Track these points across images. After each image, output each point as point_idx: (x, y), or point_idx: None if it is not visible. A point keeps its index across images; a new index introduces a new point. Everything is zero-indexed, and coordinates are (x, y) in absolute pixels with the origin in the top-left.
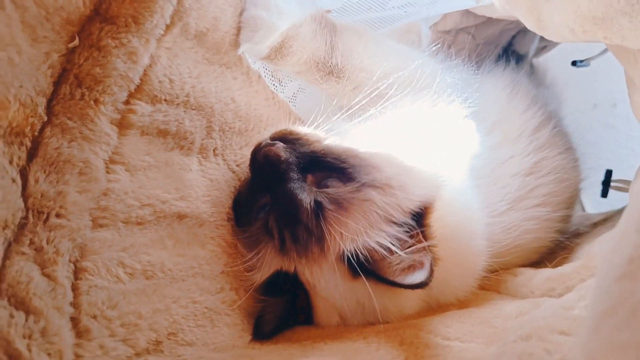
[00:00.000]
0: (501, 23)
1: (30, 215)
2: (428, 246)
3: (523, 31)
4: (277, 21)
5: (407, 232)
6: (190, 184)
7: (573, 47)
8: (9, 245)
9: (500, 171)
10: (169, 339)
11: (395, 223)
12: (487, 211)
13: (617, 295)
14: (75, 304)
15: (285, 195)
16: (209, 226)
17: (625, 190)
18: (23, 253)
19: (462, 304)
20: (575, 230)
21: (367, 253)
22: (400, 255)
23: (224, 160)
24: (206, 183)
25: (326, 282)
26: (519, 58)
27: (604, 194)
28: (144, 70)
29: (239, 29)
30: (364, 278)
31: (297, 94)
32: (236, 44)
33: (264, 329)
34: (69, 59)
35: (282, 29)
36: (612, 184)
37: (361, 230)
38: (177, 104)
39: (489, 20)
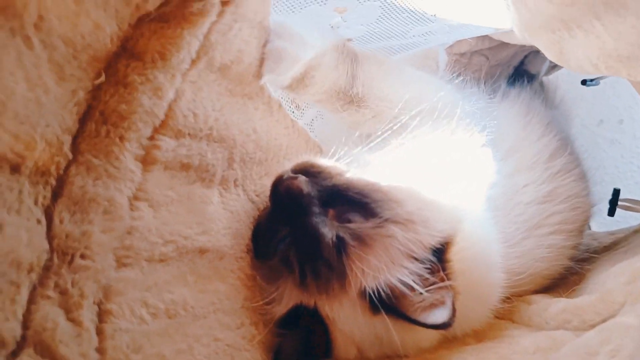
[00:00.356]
0: (516, 46)
1: (55, 257)
2: (450, 285)
3: (535, 52)
4: (300, 52)
5: (428, 268)
6: (211, 217)
7: None
8: (34, 288)
9: (515, 199)
10: None
11: (416, 259)
12: (503, 241)
13: None
14: (100, 350)
15: (306, 229)
16: (229, 259)
17: (634, 209)
18: (48, 297)
19: (477, 334)
20: (585, 252)
21: (388, 290)
22: (422, 293)
23: (244, 190)
24: (227, 215)
25: (346, 317)
26: (530, 77)
27: (611, 212)
28: (169, 105)
29: (262, 60)
30: (384, 315)
31: (315, 120)
32: (259, 75)
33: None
34: (94, 95)
35: (305, 60)
36: (619, 202)
37: (383, 267)
38: (201, 138)
39: (504, 43)
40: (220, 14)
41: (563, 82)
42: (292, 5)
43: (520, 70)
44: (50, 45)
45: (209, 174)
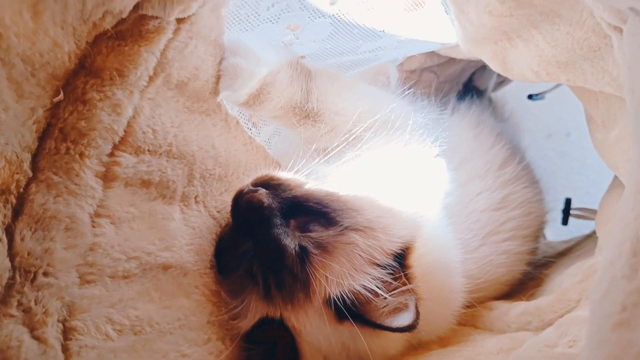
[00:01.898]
0: (463, 62)
1: (17, 275)
2: (411, 288)
3: (482, 68)
4: (256, 69)
5: (391, 273)
6: (173, 234)
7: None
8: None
9: (470, 207)
10: None
11: (378, 265)
12: (460, 247)
13: (615, 344)
14: None
15: (269, 241)
16: (192, 275)
17: (585, 217)
18: (11, 315)
19: (442, 340)
20: (542, 259)
21: (352, 296)
22: (386, 298)
23: (205, 207)
24: (189, 231)
25: (312, 327)
26: (479, 93)
27: (565, 221)
28: (128, 122)
29: (218, 77)
30: (351, 322)
31: (272, 137)
32: (215, 92)
33: None
34: (53, 113)
35: (261, 76)
36: (571, 212)
37: (346, 274)
38: (160, 154)
39: (452, 60)
40: (176, 32)
41: (511, 98)
42: (246, 24)
43: (469, 86)
44: (9, 63)
45: (170, 191)
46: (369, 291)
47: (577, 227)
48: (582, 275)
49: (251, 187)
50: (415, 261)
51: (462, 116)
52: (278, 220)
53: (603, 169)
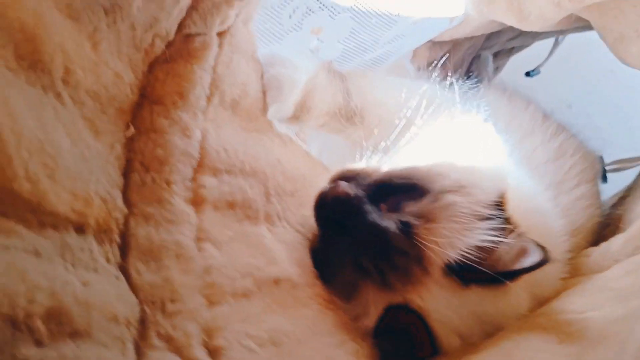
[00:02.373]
0: (463, 49)
1: (146, 308)
2: (522, 231)
3: (477, 56)
4: (296, 75)
5: (496, 225)
6: (271, 249)
7: (521, 63)
8: (137, 344)
9: (533, 163)
10: None
11: (482, 218)
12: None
13: None
14: None
15: (368, 229)
16: (302, 287)
17: (624, 168)
18: (156, 347)
19: (559, 293)
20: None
21: (470, 256)
22: (506, 244)
23: (289, 223)
24: (283, 247)
25: (438, 302)
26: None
27: (604, 179)
28: (200, 144)
29: (264, 93)
30: (477, 283)
31: (322, 152)
32: (265, 109)
33: None
34: (130, 147)
35: (302, 82)
36: (607, 167)
37: (456, 234)
38: (236, 173)
39: (454, 49)
40: (221, 46)
41: (509, 82)
42: (272, 37)
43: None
44: (79, 101)
45: (253, 211)
46: (486, 244)
47: (615, 183)
48: None
49: (331, 184)
50: (512, 209)
51: (487, 88)
52: (369, 207)
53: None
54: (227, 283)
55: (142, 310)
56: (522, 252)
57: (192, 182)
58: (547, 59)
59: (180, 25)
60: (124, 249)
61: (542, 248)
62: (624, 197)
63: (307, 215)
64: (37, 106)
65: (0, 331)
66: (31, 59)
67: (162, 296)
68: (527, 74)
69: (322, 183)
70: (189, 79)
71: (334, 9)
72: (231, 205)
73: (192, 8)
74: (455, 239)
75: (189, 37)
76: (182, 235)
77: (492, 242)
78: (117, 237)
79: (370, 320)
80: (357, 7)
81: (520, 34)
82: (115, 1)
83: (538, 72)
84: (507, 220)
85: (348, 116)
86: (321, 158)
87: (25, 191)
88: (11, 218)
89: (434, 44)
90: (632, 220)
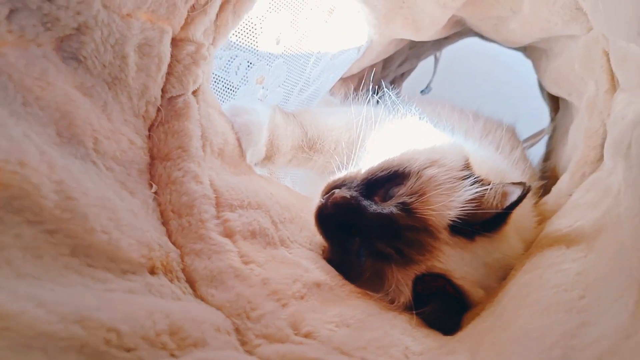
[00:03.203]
0: (367, 78)
1: (234, 320)
2: (496, 184)
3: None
4: (259, 118)
5: (473, 180)
6: (299, 263)
7: (415, 83)
8: (245, 346)
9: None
10: None
11: (460, 179)
12: None
13: None
14: None
15: (374, 220)
16: (338, 288)
17: (536, 141)
18: (259, 344)
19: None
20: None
21: (466, 210)
22: (489, 191)
23: (300, 244)
24: (305, 262)
25: (455, 261)
26: None
27: None
28: (212, 187)
29: (239, 140)
30: (479, 233)
31: (295, 187)
32: (242, 155)
33: (446, 327)
34: (159, 201)
35: (266, 124)
36: (524, 144)
37: (446, 197)
38: (246, 207)
39: (359, 81)
40: (198, 102)
41: None
42: (225, 95)
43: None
44: (109, 167)
45: (270, 238)
46: (474, 196)
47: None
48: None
49: (325, 196)
50: (478, 170)
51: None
52: (367, 202)
53: None
54: (285, 288)
55: (233, 323)
56: (505, 194)
57: (218, 219)
58: (433, 74)
59: (163, 90)
60: (191, 282)
61: (519, 183)
62: (549, 151)
63: (309, 235)
64: (85, 172)
65: (142, 350)
66: (69, 134)
67: (242, 308)
68: (422, 91)
69: (315, 201)
70: (185, 133)
71: (270, 58)
72: (253, 235)
73: (169, 74)
74: (447, 201)
75: (172, 99)
76: (232, 260)
77: (477, 192)
78: (181, 274)
79: (406, 297)
80: (287, 52)
81: (406, 59)
82: (114, 75)
83: (430, 89)
84: (479, 178)
85: (310, 145)
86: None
87: (104, 242)
88: (98, 268)
89: (344, 80)
90: (565, 163)
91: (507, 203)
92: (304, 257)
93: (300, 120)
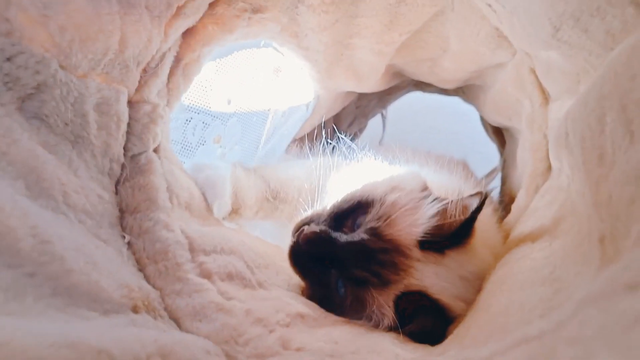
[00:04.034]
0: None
1: (224, 347)
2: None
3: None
4: (221, 172)
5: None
6: (281, 298)
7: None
8: None
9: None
10: None
11: (421, 199)
12: None
13: None
14: None
15: (347, 248)
16: (321, 319)
17: (493, 177)
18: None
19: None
20: None
21: (431, 226)
22: (451, 204)
23: (278, 286)
24: (284, 299)
25: (429, 276)
26: None
27: None
28: (183, 234)
29: (204, 195)
30: (448, 247)
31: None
32: (209, 209)
33: (432, 340)
34: (133, 250)
35: (228, 178)
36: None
37: (410, 216)
38: (219, 252)
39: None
40: (160, 159)
41: None
42: (185, 154)
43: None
44: (81, 220)
45: (247, 281)
46: (437, 211)
47: None
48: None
49: (296, 235)
50: (437, 192)
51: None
52: (337, 233)
53: None
54: (269, 317)
55: (222, 349)
56: (466, 206)
57: (194, 262)
58: (383, 132)
59: (125, 149)
60: (175, 319)
61: (477, 193)
62: (503, 181)
63: (286, 278)
64: (58, 222)
65: None
66: (38, 188)
67: (229, 335)
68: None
69: (286, 241)
70: (151, 187)
71: (223, 117)
72: (230, 277)
73: (129, 133)
74: (412, 220)
75: (135, 157)
76: (212, 296)
77: (440, 206)
78: (164, 313)
79: (389, 318)
80: (239, 111)
81: (355, 118)
82: (77, 133)
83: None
84: (439, 197)
85: (274, 195)
86: None
87: (84, 282)
88: (82, 307)
89: (298, 140)
90: (518, 183)
91: (469, 212)
92: (284, 295)
93: (261, 174)
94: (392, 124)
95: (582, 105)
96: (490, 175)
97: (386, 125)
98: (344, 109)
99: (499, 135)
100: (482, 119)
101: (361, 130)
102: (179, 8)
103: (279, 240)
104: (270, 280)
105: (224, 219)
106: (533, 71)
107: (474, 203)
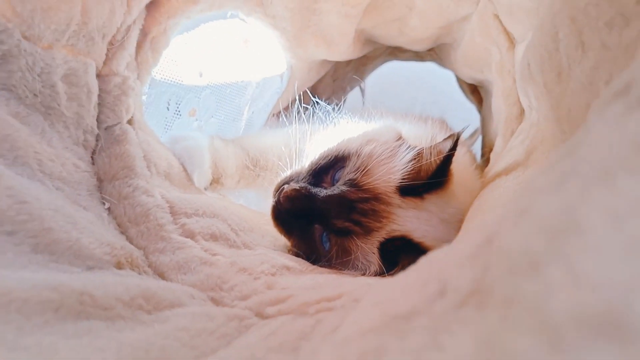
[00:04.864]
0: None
1: (208, 293)
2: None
3: None
4: (198, 142)
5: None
6: (267, 254)
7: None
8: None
9: None
10: None
11: (397, 147)
12: None
13: None
14: None
15: (327, 201)
16: (308, 271)
17: (475, 140)
18: (235, 305)
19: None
20: None
21: (408, 172)
22: (426, 150)
23: (264, 247)
24: (273, 254)
25: (412, 221)
26: None
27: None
28: (164, 199)
29: (183, 165)
30: (427, 190)
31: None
32: (190, 179)
33: None
34: (114, 214)
35: (205, 147)
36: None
37: (389, 165)
38: (201, 215)
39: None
40: (135, 130)
41: None
42: (162, 129)
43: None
44: (58, 187)
45: (232, 242)
46: (414, 158)
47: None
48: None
49: (277, 193)
50: (412, 142)
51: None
52: (317, 189)
53: None
54: (254, 267)
55: (207, 295)
56: (440, 150)
57: (176, 224)
58: (363, 105)
59: (99, 121)
60: (160, 274)
61: (449, 136)
62: (483, 133)
63: (272, 240)
64: (35, 187)
65: (119, 309)
66: (12, 155)
67: (214, 283)
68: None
69: (269, 202)
70: (128, 155)
71: (196, 90)
72: (214, 237)
73: (101, 105)
74: (389, 167)
75: (109, 128)
76: (196, 252)
77: (414, 152)
78: (148, 269)
79: (375, 264)
80: (212, 83)
81: (333, 92)
82: (47, 104)
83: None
84: (413, 145)
85: (254, 163)
86: None
87: (64, 239)
88: (64, 264)
89: (277, 114)
90: (495, 133)
91: (444, 150)
92: (269, 252)
93: (240, 143)
94: (371, 97)
95: (538, 30)
96: (472, 137)
97: (365, 98)
98: (320, 81)
99: (476, 94)
100: (459, 81)
101: (340, 104)
102: None
103: (263, 209)
104: (256, 242)
105: (205, 189)
106: (497, 17)
107: (447, 145)
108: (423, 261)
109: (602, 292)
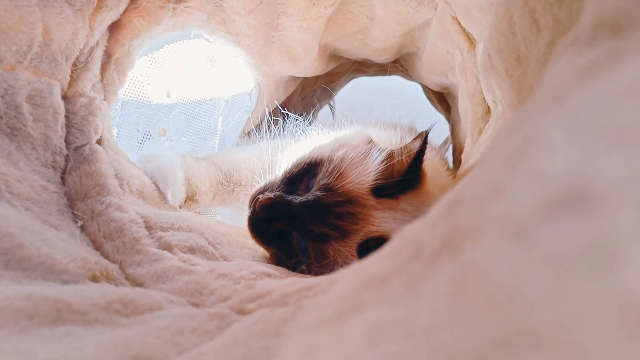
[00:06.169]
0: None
1: (188, 299)
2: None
3: None
4: (170, 160)
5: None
6: (247, 263)
7: None
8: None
9: None
10: None
11: (368, 150)
12: None
13: None
14: None
15: (305, 207)
16: (285, 277)
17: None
18: (216, 305)
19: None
20: None
21: (382, 172)
22: (397, 150)
23: (243, 258)
24: (252, 262)
25: (388, 222)
26: None
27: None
28: (138, 215)
29: (156, 184)
30: (400, 191)
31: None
32: (164, 197)
33: None
34: (87, 232)
35: (178, 165)
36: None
37: (361, 168)
38: (177, 229)
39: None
40: (106, 150)
41: None
42: (132, 149)
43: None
44: (27, 208)
45: (209, 254)
46: (385, 159)
47: None
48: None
49: (251, 205)
50: (382, 145)
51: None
52: (292, 196)
53: None
54: (234, 273)
55: (187, 301)
56: (411, 149)
57: (152, 238)
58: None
59: (67, 141)
60: (139, 284)
61: (418, 135)
62: (453, 138)
63: (250, 252)
64: (5, 210)
65: (96, 314)
66: None
67: (194, 289)
68: None
69: (244, 214)
70: (99, 173)
71: (165, 110)
72: (192, 250)
73: (69, 126)
74: (361, 169)
75: (78, 148)
76: (175, 261)
77: (385, 153)
78: (125, 281)
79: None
80: (180, 102)
81: (302, 112)
82: (12, 125)
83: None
84: (384, 148)
85: (227, 179)
86: None
87: (35, 255)
88: (37, 279)
89: (248, 133)
90: (464, 135)
91: (414, 148)
92: (248, 261)
93: (212, 160)
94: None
95: (494, 17)
96: (444, 145)
97: (335, 117)
98: (289, 100)
99: (444, 103)
100: (426, 91)
101: (310, 117)
102: (100, 1)
103: (240, 224)
104: (234, 254)
105: (180, 207)
106: (455, 19)
107: (417, 144)
108: (397, 235)
109: (563, 175)
